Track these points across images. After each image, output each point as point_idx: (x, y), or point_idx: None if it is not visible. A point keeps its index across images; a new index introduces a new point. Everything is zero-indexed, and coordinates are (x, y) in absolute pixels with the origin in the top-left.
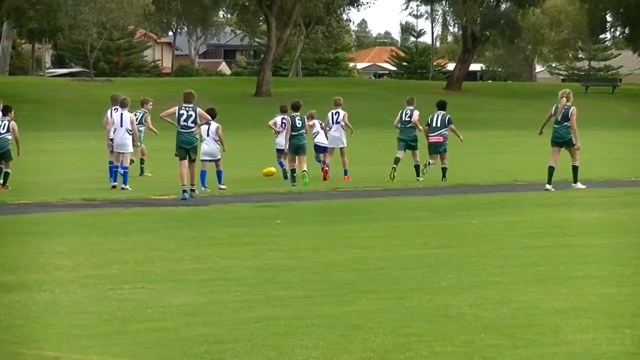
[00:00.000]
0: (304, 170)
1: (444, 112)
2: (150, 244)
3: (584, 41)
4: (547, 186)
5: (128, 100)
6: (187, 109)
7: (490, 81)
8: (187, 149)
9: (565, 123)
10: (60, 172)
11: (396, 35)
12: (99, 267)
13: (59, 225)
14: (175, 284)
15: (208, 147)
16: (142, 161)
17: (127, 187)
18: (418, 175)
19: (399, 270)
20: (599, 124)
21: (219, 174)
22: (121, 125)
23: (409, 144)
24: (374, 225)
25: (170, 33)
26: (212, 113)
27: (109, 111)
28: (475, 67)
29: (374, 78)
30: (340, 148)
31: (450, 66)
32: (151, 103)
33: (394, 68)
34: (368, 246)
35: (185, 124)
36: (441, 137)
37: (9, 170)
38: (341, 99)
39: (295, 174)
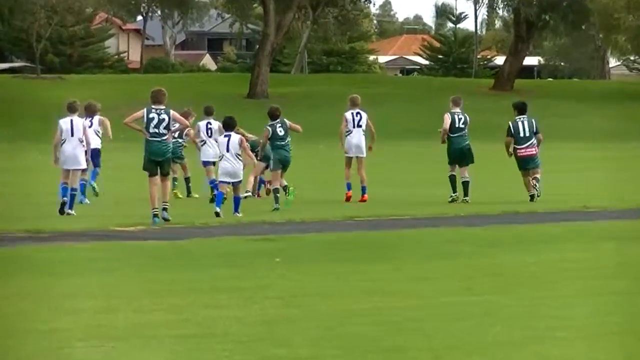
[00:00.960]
0: (286, 185)
1: (526, 115)
2: (113, 289)
3: None
4: None
5: (78, 104)
6: (157, 111)
7: (550, 79)
8: (158, 161)
9: None
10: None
11: (429, 20)
12: (44, 320)
13: None
14: (143, 340)
15: (230, 165)
16: (187, 180)
17: (72, 212)
18: (466, 195)
19: (433, 322)
20: None
21: (236, 200)
22: (72, 135)
23: (464, 155)
24: (401, 264)
25: (140, 18)
26: (231, 123)
27: (69, 121)
28: (531, 60)
29: (400, 75)
30: (359, 157)
31: (499, 60)
32: (194, 116)
33: (427, 62)
34: (393, 291)
35: (157, 130)
36: (534, 149)
37: None
38: (359, 98)
39: (278, 194)
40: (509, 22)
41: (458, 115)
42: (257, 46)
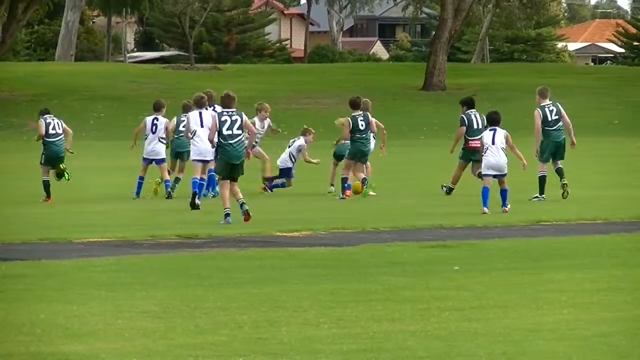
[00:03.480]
0: (365, 179)
1: (475, 109)
2: (274, 300)
3: None
4: None
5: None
6: (229, 114)
7: None
8: (234, 164)
9: None
10: (142, 199)
11: (624, 3)
12: (202, 332)
13: (144, 273)
14: (309, 356)
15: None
16: (176, 180)
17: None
18: (564, 184)
19: (630, 338)
20: None
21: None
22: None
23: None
24: (594, 273)
25: (303, 1)
26: (497, 117)
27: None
28: None
29: (592, 64)
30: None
31: None
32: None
33: (622, 50)
34: (584, 303)
35: (230, 132)
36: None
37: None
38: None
39: (344, 184)
40: None
41: (549, 108)
42: (434, 32)
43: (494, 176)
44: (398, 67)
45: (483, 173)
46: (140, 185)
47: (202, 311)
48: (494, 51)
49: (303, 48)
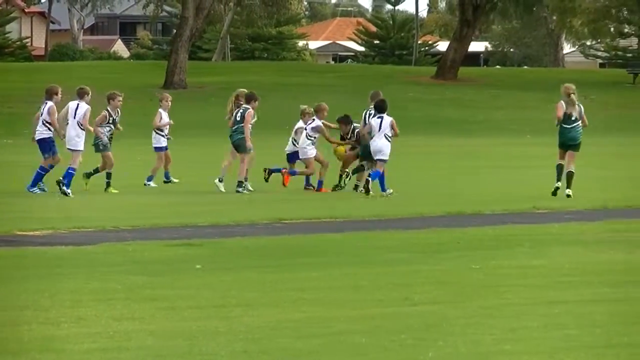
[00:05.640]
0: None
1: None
2: (14, 300)
3: (631, 10)
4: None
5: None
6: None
7: (498, 67)
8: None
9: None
10: None
11: (365, 1)
12: None
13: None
14: (50, 355)
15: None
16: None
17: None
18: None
19: (368, 335)
20: None
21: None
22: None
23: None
24: (333, 271)
25: None
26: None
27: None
28: (477, 46)
29: (333, 62)
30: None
31: (442, 45)
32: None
33: (362, 48)
34: (324, 301)
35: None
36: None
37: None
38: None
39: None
40: (453, 4)
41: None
42: (175, 31)
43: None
44: (139, 65)
45: (375, 158)
46: None
47: None
48: (235, 49)
49: (44, 46)
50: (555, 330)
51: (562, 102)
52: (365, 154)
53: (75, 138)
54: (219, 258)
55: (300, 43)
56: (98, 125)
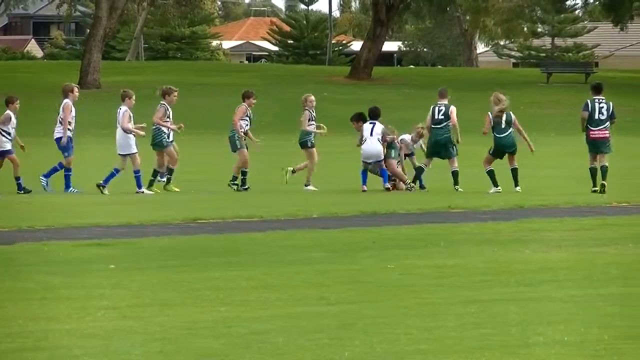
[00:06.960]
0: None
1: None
2: None
3: (544, 10)
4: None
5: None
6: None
7: (412, 66)
8: None
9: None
10: None
11: (279, 1)
12: None
13: None
14: None
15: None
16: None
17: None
18: (456, 184)
19: (283, 335)
20: (565, 128)
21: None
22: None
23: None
24: (249, 271)
25: None
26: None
27: None
28: (390, 46)
29: (247, 62)
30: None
31: (356, 45)
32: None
33: (276, 48)
34: (240, 301)
35: None
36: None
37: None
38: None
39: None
40: (367, 4)
41: (439, 107)
42: (88, 31)
43: (370, 163)
44: (53, 65)
45: (362, 160)
46: None
47: None
48: (148, 49)
49: None
50: (471, 330)
51: (489, 113)
52: (434, 151)
53: (126, 142)
54: (132, 258)
55: (214, 43)
56: (161, 120)
